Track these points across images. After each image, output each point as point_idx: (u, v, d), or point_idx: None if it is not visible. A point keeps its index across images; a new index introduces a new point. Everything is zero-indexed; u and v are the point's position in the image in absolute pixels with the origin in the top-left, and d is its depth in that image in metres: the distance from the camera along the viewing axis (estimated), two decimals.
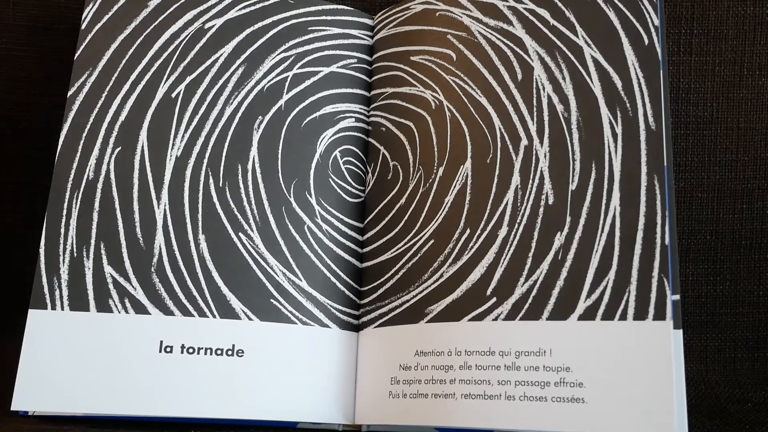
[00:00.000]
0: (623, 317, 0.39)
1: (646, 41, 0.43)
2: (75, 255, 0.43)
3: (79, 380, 0.41)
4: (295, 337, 0.44)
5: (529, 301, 0.41)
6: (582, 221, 0.41)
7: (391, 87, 0.48)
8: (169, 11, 0.47)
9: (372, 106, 0.49)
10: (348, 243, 0.47)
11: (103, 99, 0.46)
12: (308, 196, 0.46)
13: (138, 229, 0.44)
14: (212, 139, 0.46)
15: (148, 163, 0.45)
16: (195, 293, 0.44)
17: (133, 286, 0.43)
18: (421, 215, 0.45)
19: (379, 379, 0.43)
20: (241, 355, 0.43)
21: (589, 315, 0.40)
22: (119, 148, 0.45)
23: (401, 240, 0.45)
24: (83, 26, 0.47)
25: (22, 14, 0.55)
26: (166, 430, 0.42)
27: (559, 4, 0.45)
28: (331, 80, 0.49)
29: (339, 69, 0.49)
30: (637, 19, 0.43)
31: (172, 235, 0.44)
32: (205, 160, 0.46)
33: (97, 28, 0.47)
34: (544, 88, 0.44)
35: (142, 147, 0.45)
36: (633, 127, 0.42)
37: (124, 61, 0.46)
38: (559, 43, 0.44)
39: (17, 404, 0.41)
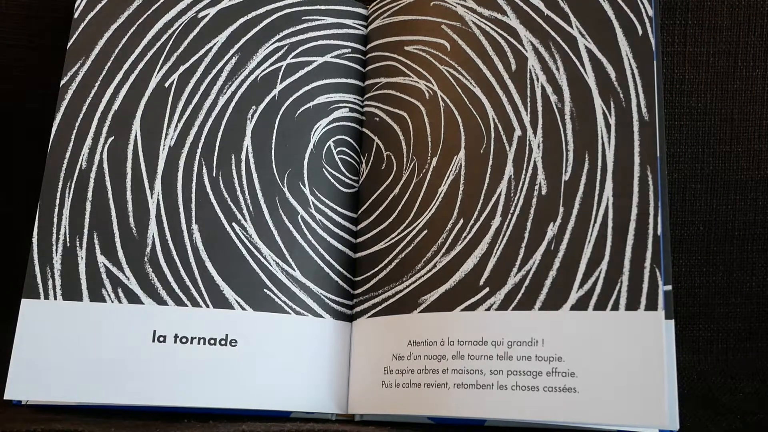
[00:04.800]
0: (615, 307, 0.39)
1: (640, 32, 0.43)
2: (68, 245, 0.43)
3: (73, 369, 0.41)
4: (288, 327, 0.44)
5: (522, 291, 0.41)
6: (575, 212, 0.42)
7: (385, 77, 0.48)
8: (162, 0, 0.47)
9: (366, 96, 0.49)
10: (341, 233, 0.47)
11: (96, 88, 0.46)
12: (302, 186, 0.46)
13: (131, 219, 0.44)
14: (206, 129, 0.46)
15: (141, 153, 0.45)
16: (188, 283, 0.44)
17: (126, 276, 0.43)
18: (415, 205, 0.45)
19: (372, 369, 0.44)
20: (234, 345, 0.43)
21: (581, 305, 0.40)
22: (112, 138, 0.45)
23: (395, 230, 0.45)
24: (76, 15, 0.47)
25: (15, 3, 0.55)
26: (160, 419, 0.42)
27: None
28: (325, 70, 0.48)
29: (333, 59, 0.49)
30: (631, 9, 0.43)
31: (165, 224, 0.44)
32: (199, 150, 0.46)
33: (89, 17, 0.47)
34: (537, 79, 0.44)
35: (135, 136, 0.45)
36: (626, 117, 0.42)
37: (117, 51, 0.46)
38: (553, 33, 0.44)
39: (10, 393, 0.41)
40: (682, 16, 0.54)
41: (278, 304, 0.44)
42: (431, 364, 0.42)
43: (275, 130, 0.47)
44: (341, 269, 0.46)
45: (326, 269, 0.46)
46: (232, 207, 0.45)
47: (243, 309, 0.44)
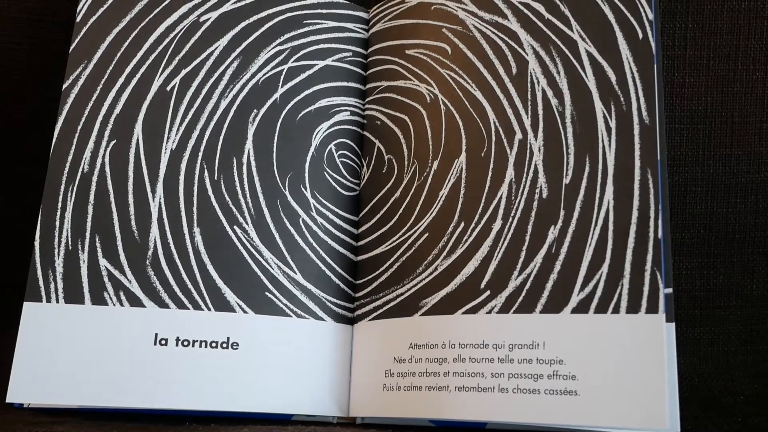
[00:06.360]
0: (616, 310, 0.39)
1: (641, 35, 0.43)
2: (70, 248, 0.43)
3: (75, 372, 0.41)
4: (289, 330, 0.44)
5: (523, 294, 0.41)
6: (576, 215, 0.42)
7: (386, 80, 0.48)
8: (164, 4, 0.47)
9: (367, 99, 0.49)
10: (343, 236, 0.47)
11: (98, 92, 0.46)
12: (303, 189, 0.47)
13: (133, 222, 0.44)
14: (207, 133, 0.46)
15: (143, 156, 0.45)
16: (190, 286, 0.44)
17: (128, 279, 0.43)
18: (416, 209, 0.45)
19: (374, 372, 0.44)
20: (236, 348, 0.43)
21: (582, 308, 0.40)
22: (114, 141, 0.45)
23: (396, 233, 0.45)
24: (78, 19, 0.47)
25: (17, 6, 0.55)
26: (161, 422, 0.42)
27: None
28: (326, 74, 0.49)
29: (334, 62, 0.49)
30: (632, 13, 0.43)
31: (167, 227, 0.44)
32: (200, 154, 0.46)
33: (92, 21, 0.47)
34: (538, 82, 0.44)
35: (137, 140, 0.45)
36: (627, 121, 0.42)
37: (119, 54, 0.46)
38: (553, 37, 0.45)
39: (12, 396, 0.41)
40: (682, 20, 0.54)
41: (280, 307, 0.44)
42: (432, 367, 0.42)
43: (277, 134, 0.47)
44: (342, 272, 0.46)
45: (327, 272, 0.46)
46: (234, 210, 0.45)
47: (244, 312, 0.44)
